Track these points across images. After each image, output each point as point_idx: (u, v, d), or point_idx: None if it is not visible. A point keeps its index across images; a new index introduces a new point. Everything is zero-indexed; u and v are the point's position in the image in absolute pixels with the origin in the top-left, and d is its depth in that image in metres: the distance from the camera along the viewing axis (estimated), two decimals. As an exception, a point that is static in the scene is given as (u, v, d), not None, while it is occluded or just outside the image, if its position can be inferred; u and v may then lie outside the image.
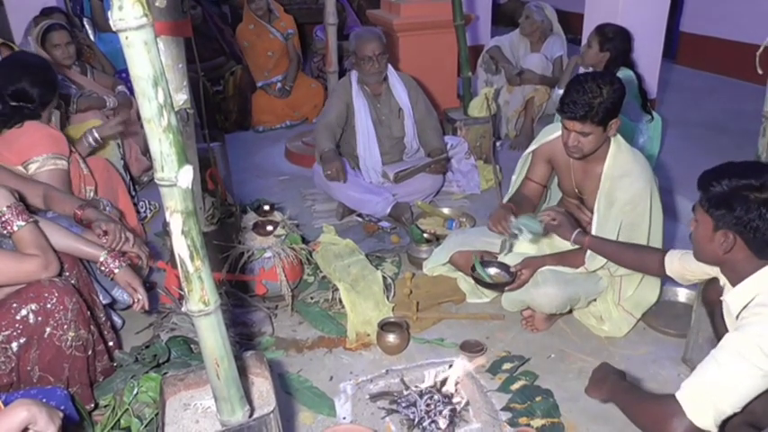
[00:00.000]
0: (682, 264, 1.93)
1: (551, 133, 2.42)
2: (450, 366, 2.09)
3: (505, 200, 2.56)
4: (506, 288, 2.35)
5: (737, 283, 1.60)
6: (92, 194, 2.67)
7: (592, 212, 2.34)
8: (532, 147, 2.49)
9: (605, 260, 2.26)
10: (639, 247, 2.16)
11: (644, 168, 2.24)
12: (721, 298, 1.69)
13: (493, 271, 2.40)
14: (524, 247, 2.56)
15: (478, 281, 2.38)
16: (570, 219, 2.25)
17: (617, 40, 3.46)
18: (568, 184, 2.42)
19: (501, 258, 2.42)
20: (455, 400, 1.97)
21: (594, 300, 2.41)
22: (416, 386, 2.04)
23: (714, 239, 1.57)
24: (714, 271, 1.77)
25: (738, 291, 1.59)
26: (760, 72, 2.18)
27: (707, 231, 1.58)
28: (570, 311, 2.45)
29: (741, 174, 1.53)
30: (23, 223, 1.81)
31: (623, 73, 3.48)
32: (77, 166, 2.61)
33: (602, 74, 2.20)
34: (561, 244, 2.49)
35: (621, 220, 2.23)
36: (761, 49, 2.13)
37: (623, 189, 2.20)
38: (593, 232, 2.27)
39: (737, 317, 1.57)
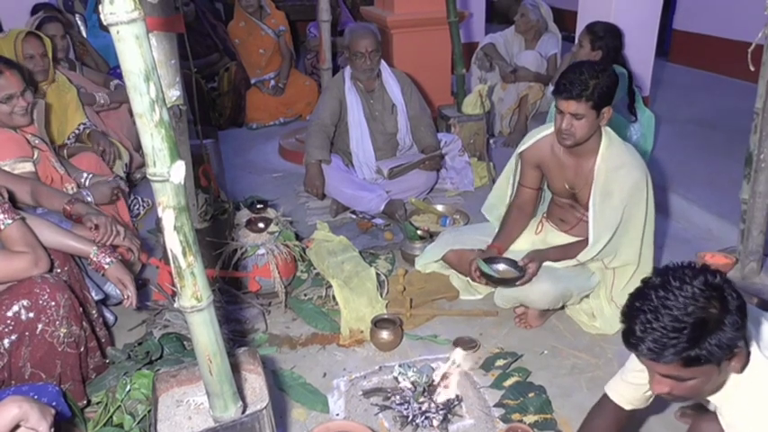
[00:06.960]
0: None
1: (538, 134, 2.41)
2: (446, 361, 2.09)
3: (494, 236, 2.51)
4: (517, 282, 2.32)
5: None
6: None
7: (585, 209, 2.34)
8: (520, 148, 2.47)
9: (599, 249, 2.26)
10: None
11: (637, 158, 2.24)
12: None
13: (501, 267, 2.38)
14: (518, 245, 2.56)
15: (488, 278, 2.34)
16: None
17: (608, 38, 3.47)
18: (560, 184, 2.41)
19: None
20: (449, 395, 1.98)
21: (587, 296, 2.42)
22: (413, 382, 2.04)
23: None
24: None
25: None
26: (752, 69, 2.20)
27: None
28: (563, 308, 2.45)
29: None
30: (10, 221, 1.80)
31: (616, 70, 3.49)
32: (49, 164, 2.52)
33: (597, 62, 2.21)
34: (553, 240, 2.50)
35: (622, 213, 2.22)
36: (752, 46, 2.14)
37: (620, 181, 2.20)
38: (591, 228, 2.26)
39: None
